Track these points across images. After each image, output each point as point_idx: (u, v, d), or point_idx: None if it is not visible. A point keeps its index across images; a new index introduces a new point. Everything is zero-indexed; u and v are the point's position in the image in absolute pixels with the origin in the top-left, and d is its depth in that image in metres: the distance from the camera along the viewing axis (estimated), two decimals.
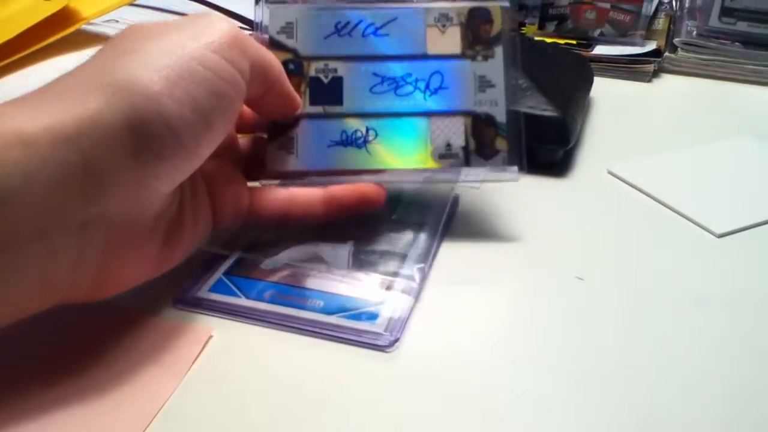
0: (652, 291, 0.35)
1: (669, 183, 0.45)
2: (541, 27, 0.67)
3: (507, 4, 0.39)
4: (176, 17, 0.60)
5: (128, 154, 0.27)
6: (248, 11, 0.62)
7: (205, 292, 0.33)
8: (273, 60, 0.34)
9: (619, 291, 0.35)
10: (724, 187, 0.45)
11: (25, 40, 0.45)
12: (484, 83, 0.38)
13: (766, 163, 0.49)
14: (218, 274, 0.34)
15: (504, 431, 0.28)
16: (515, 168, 0.37)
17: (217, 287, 0.34)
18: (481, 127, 0.37)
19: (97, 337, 0.31)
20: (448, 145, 0.37)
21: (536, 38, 0.66)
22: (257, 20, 0.38)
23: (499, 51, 0.38)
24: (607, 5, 0.65)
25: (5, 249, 0.25)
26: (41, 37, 0.46)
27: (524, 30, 0.67)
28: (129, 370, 0.29)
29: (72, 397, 0.28)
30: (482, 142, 0.37)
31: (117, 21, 0.57)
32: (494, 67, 0.38)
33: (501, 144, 0.37)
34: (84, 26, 0.49)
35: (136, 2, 0.53)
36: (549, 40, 0.66)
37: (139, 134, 0.27)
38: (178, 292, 0.33)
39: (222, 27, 0.30)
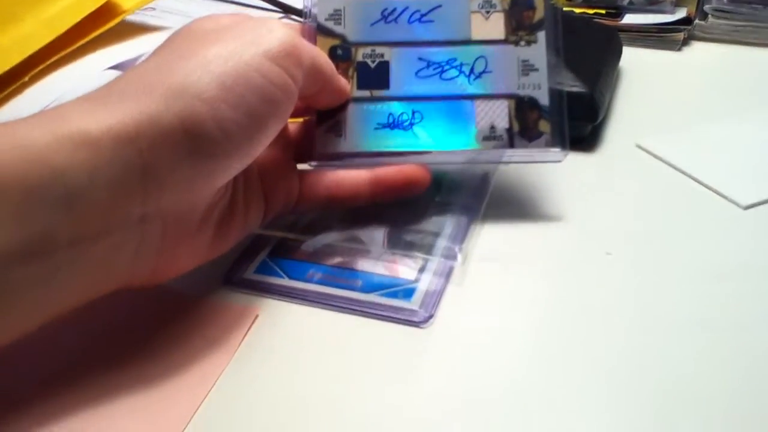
0: (679, 263, 0.37)
1: (697, 156, 0.46)
2: None
3: None
4: (214, 3, 0.62)
5: (183, 153, 0.28)
6: None
7: (250, 274, 0.36)
8: (326, 63, 0.35)
9: (647, 264, 0.37)
10: (752, 158, 0.46)
11: (71, 36, 0.47)
12: (527, 67, 0.39)
13: None
14: (262, 255, 0.37)
15: (535, 405, 0.29)
16: (558, 149, 0.38)
17: (262, 268, 0.36)
18: (524, 109, 0.39)
19: (151, 318, 0.33)
20: (493, 127, 0.38)
21: (565, 9, 0.66)
22: (305, 6, 0.39)
23: (541, 36, 0.39)
24: None
25: (74, 245, 0.26)
26: (86, 32, 0.48)
27: (553, 1, 0.67)
28: (183, 348, 0.31)
29: (129, 376, 0.30)
30: (526, 124, 0.38)
31: (154, 9, 0.58)
32: (537, 51, 0.39)
33: (544, 126, 0.38)
34: (125, 18, 0.51)
35: None
36: (578, 11, 0.66)
37: (193, 136, 0.28)
38: (225, 273, 0.35)
39: (280, 35, 0.31)
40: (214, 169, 0.30)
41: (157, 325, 0.33)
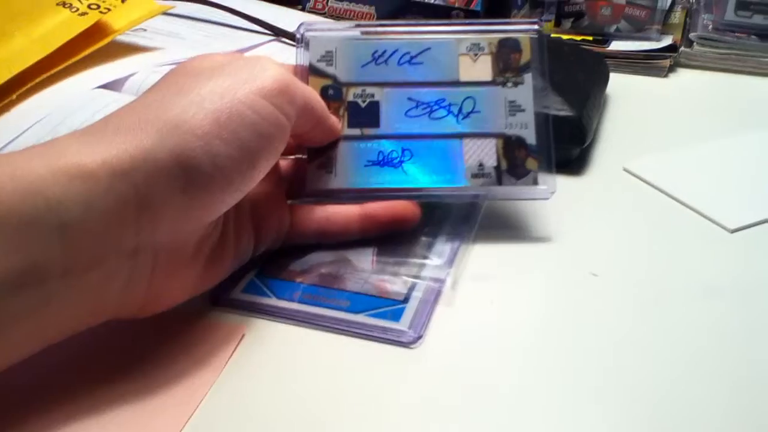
0: (665, 286, 0.37)
1: (684, 179, 0.46)
2: (558, 24, 0.68)
3: (536, 35, 0.41)
4: (204, 25, 0.63)
5: (177, 188, 0.29)
6: (276, 19, 0.63)
7: (238, 293, 0.35)
8: (318, 102, 0.36)
9: (633, 287, 0.37)
10: (738, 182, 0.46)
11: (61, 54, 0.47)
12: (514, 108, 0.40)
13: None
14: (250, 275, 0.36)
15: (523, 424, 0.29)
16: (545, 187, 0.39)
17: (250, 288, 0.36)
18: (512, 148, 0.39)
19: (138, 337, 0.33)
20: (481, 165, 0.39)
21: (553, 35, 0.67)
22: (298, 32, 0.40)
23: (528, 78, 0.40)
24: (623, 1, 0.66)
25: (66, 275, 0.27)
26: (76, 51, 0.48)
27: (541, 28, 0.68)
28: (169, 367, 0.31)
29: (115, 395, 0.30)
30: (514, 162, 0.39)
31: (145, 30, 0.58)
32: (524, 92, 0.40)
33: (532, 164, 0.39)
34: (116, 38, 0.51)
35: (165, 12, 0.55)
36: (565, 37, 0.67)
37: (188, 170, 0.29)
38: (212, 292, 0.35)
39: (273, 73, 0.32)
40: (207, 202, 0.30)
41: (143, 344, 0.32)
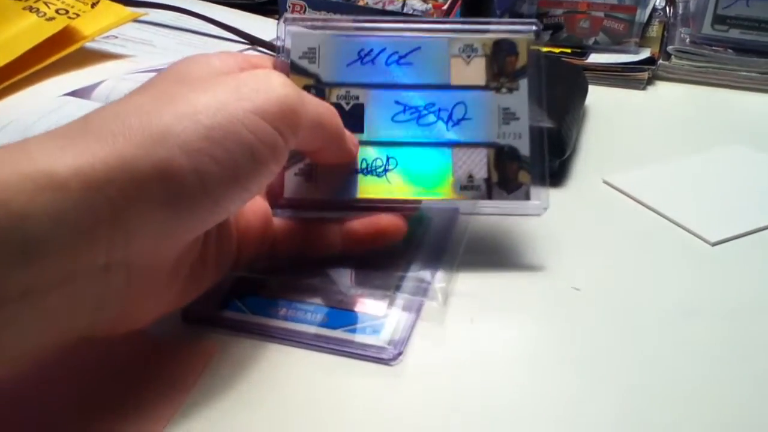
0: (646, 300, 0.36)
1: (664, 192, 0.46)
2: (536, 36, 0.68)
3: (533, 36, 0.39)
4: (178, 33, 0.61)
5: (157, 204, 0.26)
6: (251, 28, 0.62)
7: (210, 308, 0.34)
8: (332, 121, 0.33)
9: (614, 301, 0.36)
10: (718, 195, 0.46)
11: (27, 60, 0.45)
12: (508, 115, 0.38)
13: (759, 170, 0.49)
14: (225, 290, 0.35)
15: None
16: (538, 202, 0.37)
17: (224, 303, 0.34)
18: (504, 159, 0.37)
19: (104, 356, 0.31)
20: (470, 176, 0.37)
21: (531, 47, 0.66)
22: (279, 42, 0.37)
23: (524, 84, 0.38)
24: (601, 14, 0.66)
25: (25, 299, 0.24)
26: (43, 57, 0.46)
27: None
28: (137, 388, 0.30)
29: (80, 414, 0.28)
30: (505, 175, 0.37)
31: (116, 37, 0.57)
32: (519, 99, 0.38)
33: (524, 177, 0.37)
34: (85, 44, 0.50)
35: (137, 19, 0.54)
36: (544, 50, 0.66)
37: (171, 187, 0.26)
38: (183, 308, 0.34)
39: (279, 93, 0.29)
40: (189, 222, 0.28)
41: (110, 363, 0.31)
